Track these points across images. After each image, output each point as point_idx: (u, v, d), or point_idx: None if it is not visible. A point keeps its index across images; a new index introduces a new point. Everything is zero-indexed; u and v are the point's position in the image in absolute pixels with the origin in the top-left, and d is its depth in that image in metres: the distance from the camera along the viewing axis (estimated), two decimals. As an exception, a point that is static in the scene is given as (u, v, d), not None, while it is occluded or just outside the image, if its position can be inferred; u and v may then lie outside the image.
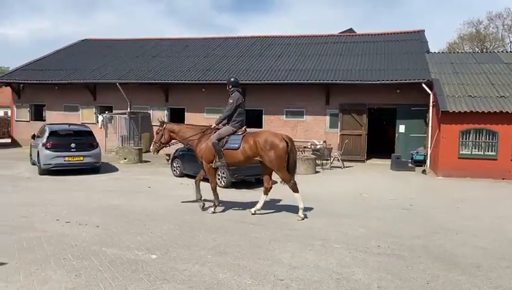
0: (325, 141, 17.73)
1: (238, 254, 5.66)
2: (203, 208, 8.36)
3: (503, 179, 13.70)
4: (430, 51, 19.73)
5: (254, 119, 19.28)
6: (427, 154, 16.34)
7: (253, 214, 8.01)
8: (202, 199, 8.49)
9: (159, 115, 18.28)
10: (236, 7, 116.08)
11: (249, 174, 11.40)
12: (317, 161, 15.64)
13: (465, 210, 9.20)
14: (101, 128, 20.13)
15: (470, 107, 13.92)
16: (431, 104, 16.19)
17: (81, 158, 13.33)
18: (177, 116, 20.26)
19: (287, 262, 5.36)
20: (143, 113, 20.64)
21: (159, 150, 8.80)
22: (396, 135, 18.06)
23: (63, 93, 21.99)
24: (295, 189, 7.81)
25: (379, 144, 20.20)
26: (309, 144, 17.30)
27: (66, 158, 13.12)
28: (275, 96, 19.06)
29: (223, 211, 8.35)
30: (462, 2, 71.05)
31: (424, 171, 15.20)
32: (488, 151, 14.01)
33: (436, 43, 52.25)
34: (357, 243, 6.28)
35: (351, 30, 27.27)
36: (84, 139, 13.81)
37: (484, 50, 34.62)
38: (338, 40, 22.79)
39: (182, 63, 21.87)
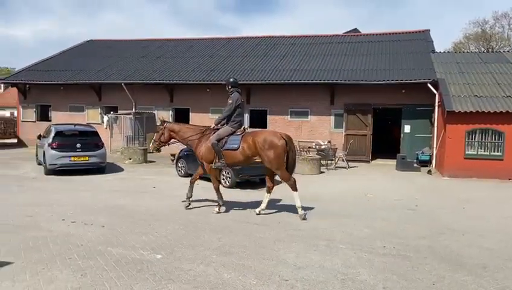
0: (329, 141, 17.67)
1: (243, 254, 5.66)
2: (187, 207, 8.43)
3: (509, 179, 13.62)
4: (436, 50, 19.63)
5: (259, 120, 19.31)
6: (432, 154, 16.25)
7: (258, 214, 8.01)
8: (191, 199, 8.52)
9: (163, 116, 18.28)
10: (240, 8, 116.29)
11: (253, 175, 11.39)
12: (322, 161, 15.63)
13: (471, 210, 9.14)
14: (106, 128, 20.19)
15: (476, 107, 13.85)
16: (436, 104, 16.10)
17: (87, 158, 13.39)
18: (182, 116, 20.31)
19: (292, 262, 5.35)
20: (148, 114, 20.67)
21: (158, 149, 8.80)
22: (402, 135, 17.98)
23: (68, 94, 22.13)
24: (294, 187, 7.79)
25: (384, 144, 20.15)
26: (314, 144, 17.24)
27: (72, 158, 13.18)
28: (280, 96, 19.03)
29: (228, 211, 8.36)
30: (468, 2, 70.79)
31: (429, 172, 15.12)
32: (494, 151, 13.93)
33: (442, 43, 52.28)
34: (362, 243, 6.26)
35: (355, 30, 27.23)
36: (89, 139, 13.85)
37: (490, 50, 34.40)
38: (343, 40, 22.74)
39: (187, 63, 21.89)
